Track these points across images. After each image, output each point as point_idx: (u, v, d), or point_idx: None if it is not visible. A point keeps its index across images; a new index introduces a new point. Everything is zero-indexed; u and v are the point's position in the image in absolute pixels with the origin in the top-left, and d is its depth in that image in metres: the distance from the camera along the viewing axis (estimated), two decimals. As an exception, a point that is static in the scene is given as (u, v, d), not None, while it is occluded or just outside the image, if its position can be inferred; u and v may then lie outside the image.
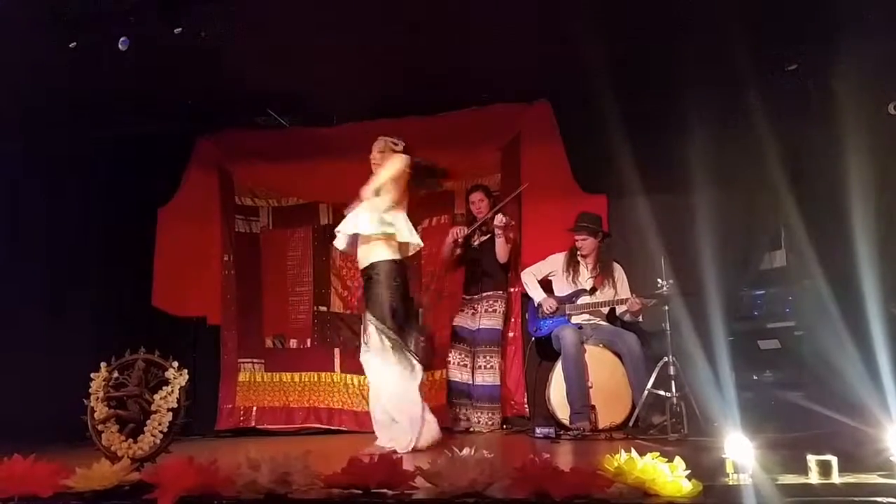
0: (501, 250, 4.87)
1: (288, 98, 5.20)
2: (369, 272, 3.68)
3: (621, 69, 4.31)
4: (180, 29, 3.89)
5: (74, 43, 3.99)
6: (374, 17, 4.01)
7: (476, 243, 5.00)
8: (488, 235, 4.95)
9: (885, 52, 3.73)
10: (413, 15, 3.99)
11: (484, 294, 4.90)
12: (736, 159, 4.48)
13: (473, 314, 4.93)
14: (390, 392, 3.66)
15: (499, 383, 4.86)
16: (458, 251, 5.07)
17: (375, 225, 3.65)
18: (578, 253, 4.79)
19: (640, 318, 4.68)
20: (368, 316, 3.66)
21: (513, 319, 5.09)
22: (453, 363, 4.91)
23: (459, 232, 4.99)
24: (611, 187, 4.93)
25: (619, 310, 4.70)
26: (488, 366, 4.82)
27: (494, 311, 4.88)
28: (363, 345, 3.74)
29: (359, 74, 4.72)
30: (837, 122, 3.96)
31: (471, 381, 4.85)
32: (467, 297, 5.00)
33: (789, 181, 4.24)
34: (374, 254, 3.68)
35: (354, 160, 5.23)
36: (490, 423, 4.75)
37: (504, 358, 5.01)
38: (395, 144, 3.83)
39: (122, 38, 3.92)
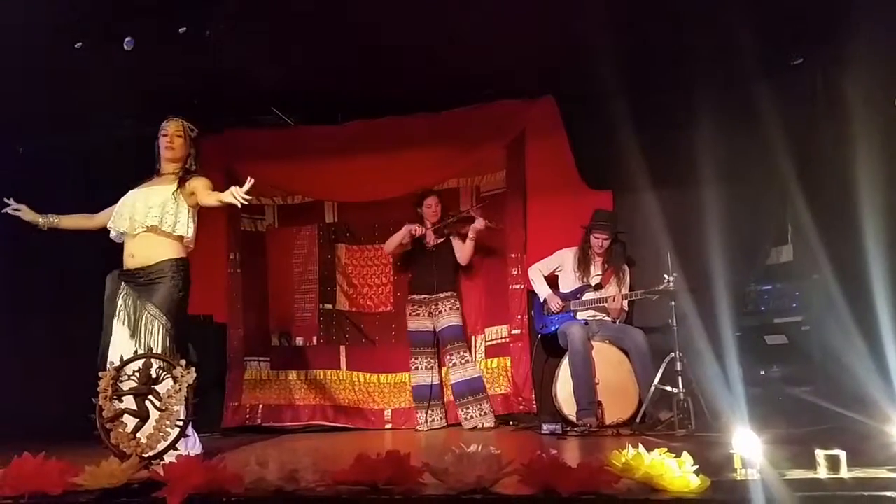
0: (467, 252, 4.98)
1: (292, 96, 5.20)
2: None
3: (627, 64, 4.29)
4: (185, 28, 3.91)
5: (80, 43, 4.00)
6: (375, 14, 4.01)
7: (431, 245, 5.03)
8: (442, 239, 5.03)
9: (892, 46, 3.70)
10: (416, 12, 3.98)
11: (442, 295, 4.96)
12: (743, 154, 4.47)
13: (430, 315, 4.97)
14: None
15: (478, 374, 4.93)
16: (406, 246, 5.13)
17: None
18: (592, 251, 4.78)
19: (616, 322, 4.69)
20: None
21: (520, 317, 5.09)
22: (420, 368, 4.96)
23: (418, 229, 5.02)
24: (616, 183, 4.91)
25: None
26: (463, 361, 4.89)
27: (457, 309, 4.98)
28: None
29: (363, 72, 4.72)
30: (844, 116, 3.95)
31: (437, 382, 4.97)
32: (418, 298, 5.02)
33: (796, 176, 4.23)
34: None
35: (360, 158, 5.31)
36: (482, 412, 4.78)
37: (510, 355, 5.04)
38: (192, 130, 3.75)
39: (126, 38, 3.93)
